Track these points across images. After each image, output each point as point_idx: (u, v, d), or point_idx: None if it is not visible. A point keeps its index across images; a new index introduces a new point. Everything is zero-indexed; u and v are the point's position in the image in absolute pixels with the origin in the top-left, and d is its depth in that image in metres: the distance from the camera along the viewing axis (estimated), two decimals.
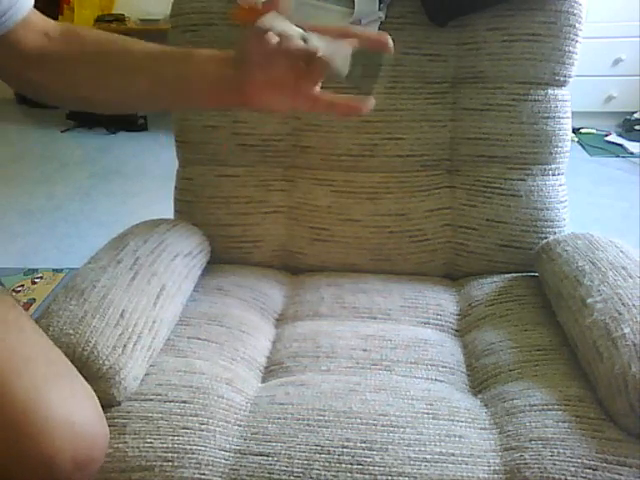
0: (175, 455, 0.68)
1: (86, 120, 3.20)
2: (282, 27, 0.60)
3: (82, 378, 0.68)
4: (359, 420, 0.72)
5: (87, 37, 0.72)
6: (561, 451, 0.67)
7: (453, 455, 0.68)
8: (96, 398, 0.67)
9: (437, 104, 1.10)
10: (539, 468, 0.66)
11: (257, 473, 0.67)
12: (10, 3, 0.66)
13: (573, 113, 1.10)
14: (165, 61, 0.69)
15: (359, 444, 0.69)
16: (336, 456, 0.68)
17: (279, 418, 0.73)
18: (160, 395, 0.75)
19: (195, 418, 0.72)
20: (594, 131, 3.07)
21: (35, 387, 0.61)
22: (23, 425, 0.59)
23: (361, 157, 1.11)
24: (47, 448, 0.59)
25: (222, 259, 1.13)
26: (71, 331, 0.74)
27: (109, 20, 3.56)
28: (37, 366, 0.63)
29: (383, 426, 0.71)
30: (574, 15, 1.04)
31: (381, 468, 0.67)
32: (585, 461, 0.65)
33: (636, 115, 3.05)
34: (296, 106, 0.66)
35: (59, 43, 0.70)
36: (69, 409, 0.62)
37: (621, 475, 0.64)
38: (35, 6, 0.69)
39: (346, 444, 0.69)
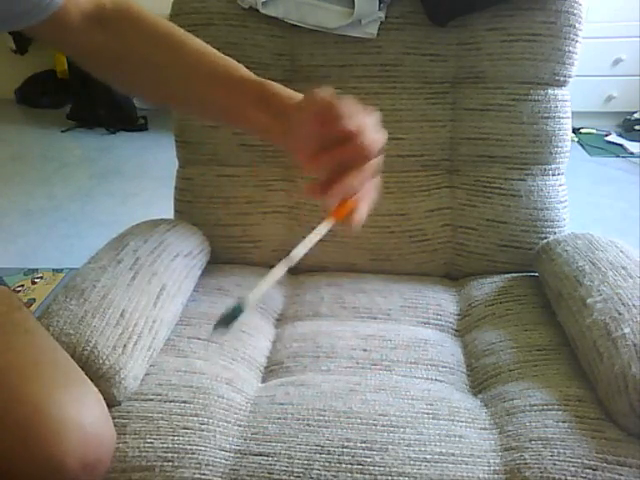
0: (175, 455, 0.68)
1: (86, 120, 3.19)
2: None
3: (89, 380, 0.68)
4: (359, 420, 0.72)
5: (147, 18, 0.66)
6: (561, 451, 0.67)
7: (453, 455, 0.68)
8: (103, 400, 0.67)
9: (437, 104, 1.09)
10: (539, 468, 0.66)
11: (257, 473, 0.67)
12: None
13: (573, 113, 1.10)
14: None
15: (359, 444, 0.69)
16: (336, 456, 0.68)
17: (279, 418, 0.73)
18: (160, 395, 0.75)
19: (195, 418, 0.72)
20: (594, 131, 3.07)
21: (45, 390, 0.61)
22: (34, 427, 0.59)
23: None
24: (57, 450, 0.59)
25: (222, 259, 1.13)
26: (71, 331, 0.74)
27: None
28: (45, 369, 0.63)
29: (383, 426, 0.71)
30: (574, 15, 1.04)
31: (381, 468, 0.67)
32: (585, 461, 0.65)
33: (636, 115, 3.05)
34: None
35: (111, 13, 0.64)
36: (79, 411, 0.62)
37: (621, 475, 0.64)
38: None
39: (346, 444, 0.69)
